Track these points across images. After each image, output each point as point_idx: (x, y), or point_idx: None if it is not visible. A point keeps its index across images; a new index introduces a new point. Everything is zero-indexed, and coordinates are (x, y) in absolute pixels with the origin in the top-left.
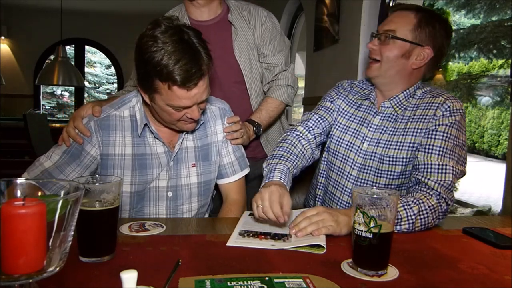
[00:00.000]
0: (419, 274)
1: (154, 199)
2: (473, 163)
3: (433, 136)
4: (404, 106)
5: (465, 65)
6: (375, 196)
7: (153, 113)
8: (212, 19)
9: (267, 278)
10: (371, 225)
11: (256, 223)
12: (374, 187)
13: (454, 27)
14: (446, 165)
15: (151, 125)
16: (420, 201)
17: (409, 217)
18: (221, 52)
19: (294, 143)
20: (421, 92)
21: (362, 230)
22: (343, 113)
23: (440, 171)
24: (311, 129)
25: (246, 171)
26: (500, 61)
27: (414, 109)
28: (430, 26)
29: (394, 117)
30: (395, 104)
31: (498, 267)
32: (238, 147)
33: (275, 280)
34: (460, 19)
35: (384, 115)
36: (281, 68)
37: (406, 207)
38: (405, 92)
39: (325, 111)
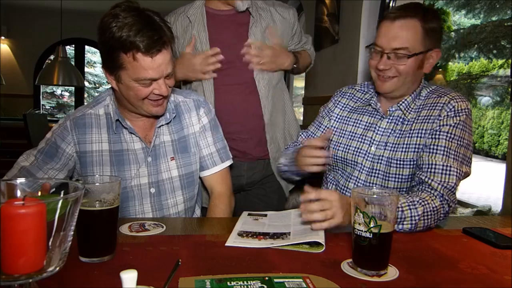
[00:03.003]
0: (419, 274)
1: (138, 197)
2: (473, 163)
3: (437, 136)
4: (411, 109)
5: (465, 65)
6: (375, 196)
7: (121, 100)
8: (229, 9)
9: (267, 278)
10: (371, 225)
11: (255, 223)
12: (376, 188)
13: (454, 27)
14: (450, 166)
15: (124, 121)
16: (426, 202)
17: (413, 218)
18: (236, 40)
19: (302, 142)
20: (426, 92)
21: (362, 230)
22: (347, 120)
23: (444, 172)
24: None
25: (228, 162)
26: (500, 61)
27: (419, 110)
28: (436, 29)
29: (401, 120)
30: (405, 108)
31: (498, 267)
32: (220, 138)
33: (275, 280)
34: (460, 19)
35: (391, 118)
36: (309, 47)
37: (411, 207)
38: (412, 95)
39: (323, 128)
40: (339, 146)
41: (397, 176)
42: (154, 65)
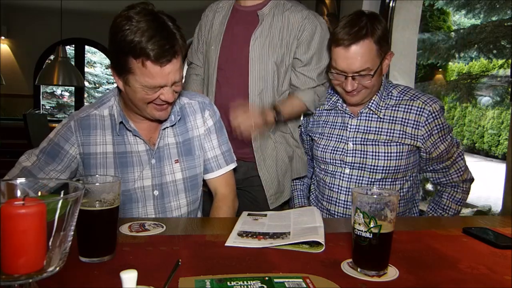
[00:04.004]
0: (419, 274)
1: (141, 200)
2: (473, 163)
3: (435, 145)
4: (383, 107)
5: (465, 65)
6: (375, 196)
7: (126, 101)
8: (251, 6)
9: (267, 278)
10: (371, 225)
11: (254, 223)
12: (369, 185)
13: (454, 27)
14: (455, 158)
15: (128, 122)
16: (452, 197)
17: (450, 211)
18: (241, 38)
19: None
20: (396, 92)
21: (362, 230)
22: (323, 124)
23: (454, 166)
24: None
25: (233, 165)
26: (500, 61)
27: (395, 109)
28: (384, 35)
29: (373, 117)
30: (375, 108)
31: (498, 267)
32: (225, 141)
33: (275, 280)
34: (460, 19)
35: (361, 115)
36: (313, 83)
37: (446, 211)
38: (378, 94)
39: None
40: (319, 147)
41: (384, 168)
42: (163, 73)
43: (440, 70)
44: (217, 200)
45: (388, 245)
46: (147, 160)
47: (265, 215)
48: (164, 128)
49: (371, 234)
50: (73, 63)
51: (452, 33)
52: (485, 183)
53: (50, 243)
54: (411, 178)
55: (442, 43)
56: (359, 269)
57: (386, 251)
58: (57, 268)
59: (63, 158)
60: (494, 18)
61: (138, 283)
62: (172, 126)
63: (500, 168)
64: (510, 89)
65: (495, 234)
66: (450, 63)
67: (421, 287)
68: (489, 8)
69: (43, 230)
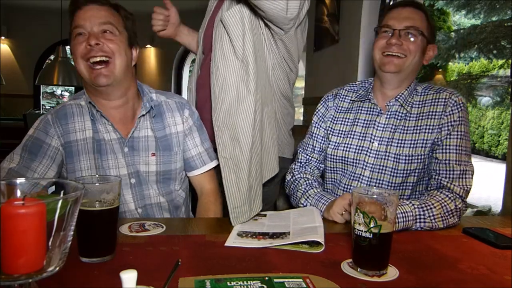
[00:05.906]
0: (419, 274)
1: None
2: (473, 163)
3: (448, 136)
4: (410, 104)
5: (465, 65)
6: (375, 196)
7: (85, 84)
8: None
9: (267, 278)
10: (371, 225)
11: (254, 223)
12: (377, 188)
13: (454, 27)
14: (466, 170)
15: (95, 107)
16: (444, 203)
17: (431, 217)
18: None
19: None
20: (421, 88)
21: (362, 230)
22: (343, 121)
23: (462, 176)
24: (308, 165)
25: (216, 162)
26: (500, 61)
27: (421, 106)
28: (434, 27)
29: (401, 115)
30: (403, 102)
31: (498, 267)
32: (206, 139)
33: (275, 280)
34: (460, 19)
35: (390, 113)
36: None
37: (428, 208)
38: (408, 89)
39: (321, 139)
40: (339, 146)
41: (405, 171)
42: (85, 16)
43: (440, 70)
44: (205, 195)
45: (388, 245)
46: (119, 148)
47: (265, 215)
48: (140, 116)
49: (371, 234)
50: (73, 63)
51: (452, 33)
52: (485, 183)
53: (50, 243)
54: (427, 180)
55: (442, 43)
56: (359, 269)
57: (386, 251)
58: (57, 268)
59: (46, 151)
60: (494, 18)
61: (138, 283)
62: (148, 113)
63: (500, 168)
64: (510, 89)
65: (495, 234)
66: (450, 63)
67: (421, 287)
68: (489, 8)
69: (43, 230)
